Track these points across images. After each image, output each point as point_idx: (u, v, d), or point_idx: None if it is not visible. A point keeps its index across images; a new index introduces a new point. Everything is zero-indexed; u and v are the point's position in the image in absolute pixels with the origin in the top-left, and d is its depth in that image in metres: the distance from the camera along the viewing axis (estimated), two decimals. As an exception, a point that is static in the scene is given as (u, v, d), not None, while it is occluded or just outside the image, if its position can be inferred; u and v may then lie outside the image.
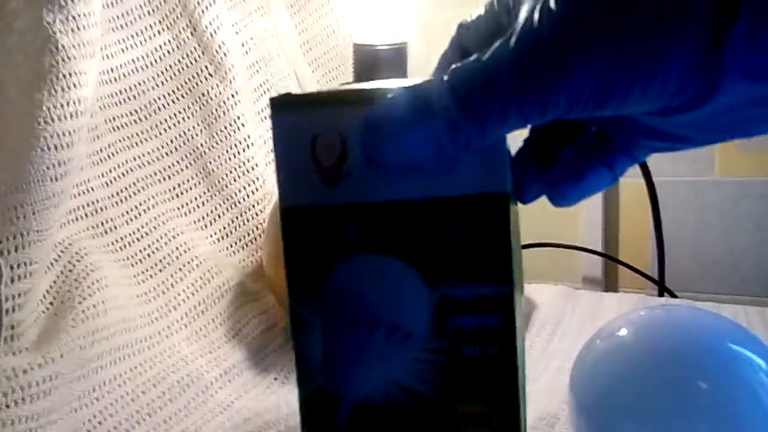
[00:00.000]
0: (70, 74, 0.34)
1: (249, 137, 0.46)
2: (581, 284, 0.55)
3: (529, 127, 0.18)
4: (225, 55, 0.45)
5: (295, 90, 0.52)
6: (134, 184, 0.43)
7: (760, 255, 0.50)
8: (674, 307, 0.26)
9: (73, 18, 0.34)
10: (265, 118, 0.50)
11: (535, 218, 0.57)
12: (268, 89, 0.50)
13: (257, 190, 0.46)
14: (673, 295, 0.50)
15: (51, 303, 0.35)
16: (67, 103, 0.33)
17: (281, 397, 0.35)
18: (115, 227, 0.41)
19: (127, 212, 0.42)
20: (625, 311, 0.39)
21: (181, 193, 0.45)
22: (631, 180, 0.53)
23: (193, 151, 0.45)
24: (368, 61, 0.41)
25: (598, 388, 0.25)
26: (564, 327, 0.42)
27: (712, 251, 0.51)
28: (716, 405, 0.22)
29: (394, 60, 0.41)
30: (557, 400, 0.32)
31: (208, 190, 0.45)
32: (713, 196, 0.51)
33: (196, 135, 0.45)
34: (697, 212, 0.51)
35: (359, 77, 0.42)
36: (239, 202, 0.46)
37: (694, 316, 0.24)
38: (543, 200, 0.60)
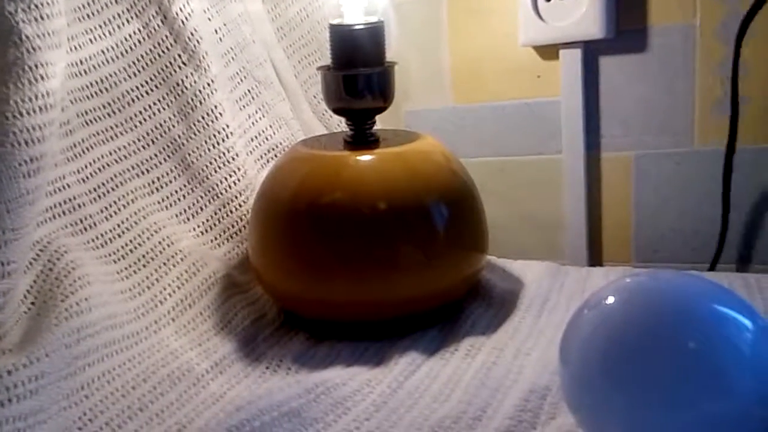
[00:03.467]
0: (36, 66, 0.32)
1: (228, 127, 0.45)
2: (567, 260, 0.55)
3: None
4: (198, 42, 0.44)
5: (273, 76, 0.52)
6: (112, 179, 0.42)
7: (742, 224, 0.50)
8: (659, 273, 0.26)
9: (36, 6, 0.33)
10: (244, 107, 0.49)
11: (518, 194, 0.58)
12: (244, 77, 0.49)
13: (239, 180, 0.46)
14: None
15: (33, 303, 0.34)
16: (36, 97, 0.32)
17: (274, 385, 0.35)
18: (95, 224, 0.40)
19: (106, 208, 0.41)
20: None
21: (161, 187, 0.44)
22: (612, 154, 0.53)
23: (171, 143, 0.44)
24: (345, 42, 0.40)
25: (588, 356, 0.25)
26: (552, 302, 0.43)
27: (694, 222, 0.52)
28: (703, 365, 0.22)
29: (372, 39, 0.40)
30: (548, 372, 0.33)
31: (189, 183, 0.44)
32: (694, 167, 0.51)
33: (173, 126, 0.44)
34: (679, 184, 0.52)
35: (337, 58, 0.41)
36: (221, 194, 0.45)
37: (679, 280, 0.25)
38: (527, 176, 0.60)
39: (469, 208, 0.43)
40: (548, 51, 0.54)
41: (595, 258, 0.55)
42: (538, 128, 0.56)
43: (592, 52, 0.52)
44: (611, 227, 0.55)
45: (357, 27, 0.40)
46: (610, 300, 0.25)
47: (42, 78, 0.33)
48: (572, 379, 0.25)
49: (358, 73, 0.40)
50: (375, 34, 0.40)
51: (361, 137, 0.42)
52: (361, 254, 0.39)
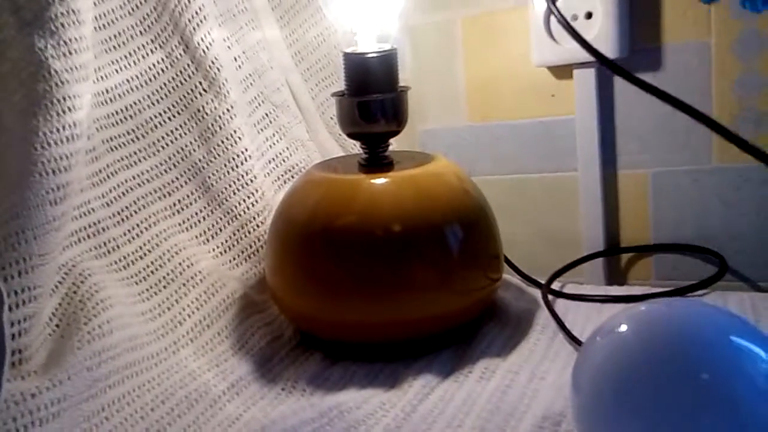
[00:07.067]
0: (64, 98, 0.34)
1: (246, 150, 0.47)
2: (585, 279, 0.54)
3: None
4: (218, 70, 0.46)
5: (290, 100, 0.53)
6: (135, 202, 0.43)
7: (763, 240, 0.49)
8: (674, 301, 0.26)
9: (65, 42, 0.34)
10: (262, 130, 0.50)
11: (534, 212, 0.57)
12: (262, 101, 0.51)
13: (257, 202, 0.47)
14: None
15: (57, 325, 0.35)
16: (63, 128, 0.34)
17: (288, 408, 0.35)
18: (118, 246, 0.41)
19: (129, 231, 0.42)
20: (628, 305, 0.39)
21: (182, 209, 0.45)
22: (628, 171, 0.53)
23: (192, 166, 0.46)
24: (359, 69, 0.41)
25: (600, 385, 0.25)
26: (568, 323, 0.42)
27: (714, 239, 0.51)
28: (718, 397, 0.22)
29: (385, 66, 0.41)
30: (562, 398, 0.32)
31: (208, 205, 0.46)
32: (713, 184, 0.50)
33: (194, 151, 0.46)
34: (698, 201, 0.51)
35: (351, 85, 0.42)
36: (240, 215, 0.46)
37: (694, 310, 0.24)
38: (543, 194, 0.59)
39: (482, 228, 0.43)
40: (562, 70, 0.54)
41: (613, 276, 0.55)
42: (553, 146, 0.55)
43: (606, 71, 0.52)
44: (629, 245, 0.54)
45: (370, 55, 0.41)
46: (623, 328, 0.25)
47: (69, 110, 0.34)
48: (584, 407, 0.25)
49: (372, 99, 0.41)
50: (388, 61, 0.41)
51: (375, 160, 0.43)
52: (375, 276, 0.39)
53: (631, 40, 0.51)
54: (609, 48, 0.50)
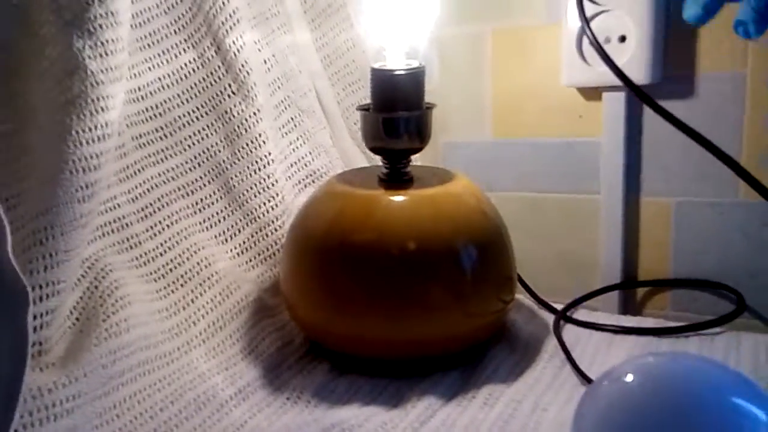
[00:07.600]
0: (98, 98, 0.35)
1: (269, 154, 0.47)
2: (600, 304, 0.54)
3: None
4: (248, 73, 0.46)
5: (316, 105, 0.53)
6: (159, 199, 0.44)
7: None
8: (681, 356, 0.26)
9: (102, 44, 0.35)
10: (286, 134, 0.51)
11: (553, 232, 0.57)
12: (288, 105, 0.51)
13: (277, 206, 0.47)
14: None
15: (77, 318, 0.36)
16: (95, 127, 0.35)
17: (292, 421, 0.36)
18: (140, 242, 0.42)
19: (152, 227, 0.43)
20: (639, 342, 0.38)
21: (204, 208, 0.46)
22: (652, 199, 0.52)
23: (216, 167, 0.46)
24: (386, 86, 0.41)
25: (602, 431, 0.25)
26: (577, 354, 0.42)
27: (735, 274, 0.50)
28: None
29: (412, 84, 0.41)
30: (565, 434, 0.33)
31: (229, 205, 0.46)
32: (738, 219, 0.49)
33: (219, 151, 0.46)
34: (722, 234, 0.50)
35: (377, 100, 0.42)
36: (259, 218, 0.47)
37: (699, 367, 0.24)
38: (563, 214, 0.58)
39: (498, 251, 0.43)
40: (591, 91, 0.53)
41: (628, 304, 0.54)
42: (576, 167, 0.55)
43: (635, 97, 0.51)
44: (648, 273, 0.54)
45: (398, 72, 0.41)
46: (629, 378, 0.25)
47: (103, 110, 0.35)
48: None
49: (398, 117, 0.41)
50: (415, 78, 0.41)
51: (396, 176, 0.43)
52: (388, 293, 0.39)
53: (664, 67, 0.50)
54: (641, 73, 0.49)
